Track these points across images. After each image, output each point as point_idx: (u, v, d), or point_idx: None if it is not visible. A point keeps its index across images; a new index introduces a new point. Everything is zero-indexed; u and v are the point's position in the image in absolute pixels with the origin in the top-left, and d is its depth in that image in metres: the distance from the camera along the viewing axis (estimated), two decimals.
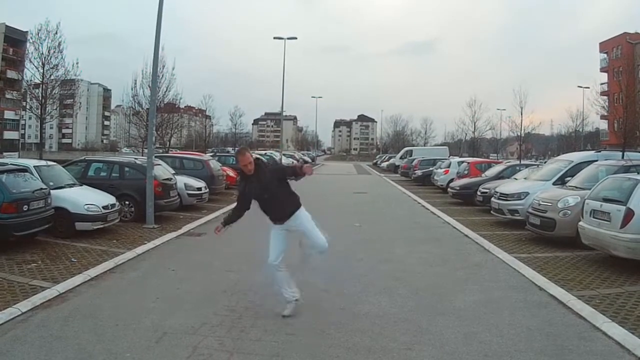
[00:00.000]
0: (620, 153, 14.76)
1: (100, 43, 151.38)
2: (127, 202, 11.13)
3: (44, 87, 23.68)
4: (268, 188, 5.01)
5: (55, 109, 26.01)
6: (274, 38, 38.55)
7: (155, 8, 11.38)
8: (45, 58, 23.44)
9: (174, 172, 13.94)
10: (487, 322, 5.02)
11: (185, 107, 57.19)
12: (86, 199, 9.25)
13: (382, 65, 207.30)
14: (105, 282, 6.40)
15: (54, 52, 23.63)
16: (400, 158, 41.93)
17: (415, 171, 27.78)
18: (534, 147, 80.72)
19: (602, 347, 4.45)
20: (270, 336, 4.61)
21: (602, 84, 44.93)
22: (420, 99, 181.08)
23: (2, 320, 4.78)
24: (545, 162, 18.41)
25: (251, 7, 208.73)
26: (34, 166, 9.33)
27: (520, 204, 10.90)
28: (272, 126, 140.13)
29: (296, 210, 5.15)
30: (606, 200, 7.31)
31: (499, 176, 15.70)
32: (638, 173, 8.31)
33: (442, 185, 20.79)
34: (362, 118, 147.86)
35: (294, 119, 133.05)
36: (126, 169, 11.87)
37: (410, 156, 37.86)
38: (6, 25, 51.41)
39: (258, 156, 5.30)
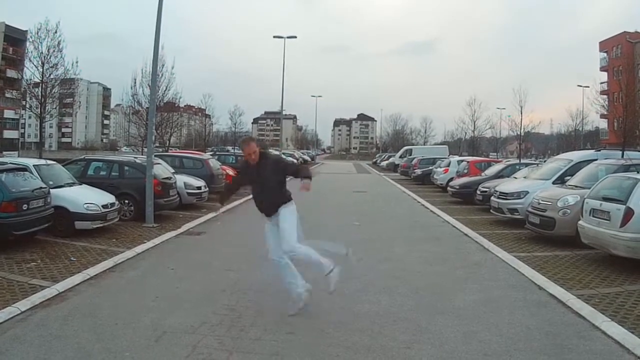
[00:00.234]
0: (620, 152, 14.74)
1: (100, 43, 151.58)
2: (126, 201, 11.13)
3: (43, 86, 23.67)
4: (266, 178, 5.12)
5: (55, 108, 26.04)
6: (274, 37, 38.77)
7: (155, 8, 11.41)
8: (44, 57, 23.47)
9: (173, 171, 13.91)
10: (487, 321, 5.02)
11: (184, 106, 57.38)
12: (86, 198, 9.26)
13: (382, 65, 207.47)
14: (104, 281, 6.39)
15: (54, 51, 23.68)
16: (400, 157, 42.01)
17: (415, 170, 27.77)
18: (533, 146, 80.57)
19: (602, 346, 4.45)
20: (270, 335, 4.60)
21: (602, 83, 45.04)
22: (420, 98, 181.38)
23: (2, 320, 4.77)
24: (544, 161, 18.41)
25: (251, 7, 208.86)
26: (33, 165, 9.32)
27: (519, 203, 10.90)
28: (271, 125, 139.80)
29: (283, 205, 5.17)
30: (606, 199, 7.31)
31: (499, 175, 15.69)
32: (638, 172, 8.32)
33: (441, 184, 20.77)
34: (361, 117, 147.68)
35: (294, 118, 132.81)
36: (126, 168, 11.87)
37: (410, 155, 37.91)
38: (6, 25, 51.45)
39: (264, 150, 5.33)
